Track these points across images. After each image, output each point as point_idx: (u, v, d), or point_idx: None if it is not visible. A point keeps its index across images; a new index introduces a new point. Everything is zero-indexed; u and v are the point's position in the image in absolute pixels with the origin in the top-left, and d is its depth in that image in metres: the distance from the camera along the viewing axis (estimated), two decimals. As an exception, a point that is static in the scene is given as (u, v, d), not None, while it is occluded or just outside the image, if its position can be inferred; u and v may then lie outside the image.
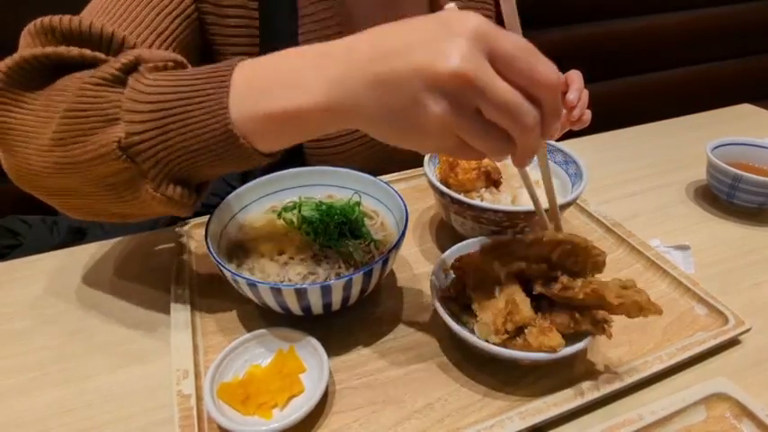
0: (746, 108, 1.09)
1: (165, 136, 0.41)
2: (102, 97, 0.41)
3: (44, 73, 0.45)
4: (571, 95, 0.69)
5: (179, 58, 0.46)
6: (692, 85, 1.71)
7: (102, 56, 0.45)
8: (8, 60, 0.44)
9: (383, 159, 0.80)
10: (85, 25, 0.46)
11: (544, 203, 0.53)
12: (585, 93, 0.72)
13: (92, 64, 0.45)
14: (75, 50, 0.44)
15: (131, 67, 0.42)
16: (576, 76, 0.72)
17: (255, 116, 0.39)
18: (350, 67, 0.36)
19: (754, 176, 0.69)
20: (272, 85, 0.39)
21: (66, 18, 0.46)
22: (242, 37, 0.66)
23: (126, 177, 0.43)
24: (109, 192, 0.45)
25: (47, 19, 0.46)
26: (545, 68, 0.34)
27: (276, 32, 0.67)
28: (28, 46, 0.47)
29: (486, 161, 0.63)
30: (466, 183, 0.62)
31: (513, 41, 0.34)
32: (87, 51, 0.45)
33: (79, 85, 0.42)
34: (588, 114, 0.72)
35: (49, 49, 0.44)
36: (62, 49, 0.44)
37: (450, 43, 0.33)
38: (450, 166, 0.63)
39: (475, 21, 0.33)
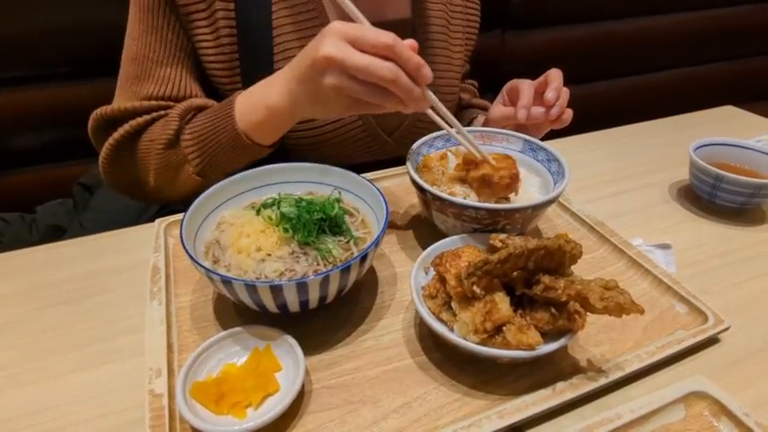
0: (729, 110, 1.10)
1: (214, 158, 0.67)
2: (171, 154, 0.68)
3: (125, 144, 0.70)
4: (549, 94, 0.70)
5: (195, 103, 0.69)
6: (677, 88, 1.72)
7: (149, 117, 0.70)
8: (106, 145, 0.70)
9: (359, 148, 0.81)
10: (120, 109, 0.70)
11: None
12: (565, 91, 0.72)
13: (144, 127, 0.70)
14: (133, 123, 0.69)
15: (177, 130, 0.67)
16: (555, 75, 0.72)
17: (252, 125, 0.64)
18: (288, 79, 0.58)
19: (736, 176, 0.69)
20: (256, 106, 0.63)
21: (106, 109, 0.70)
22: (224, 37, 0.70)
23: (204, 186, 0.63)
24: (191, 193, 0.65)
25: (97, 114, 0.70)
26: (382, 38, 0.49)
27: (252, 27, 0.70)
28: (96, 131, 0.72)
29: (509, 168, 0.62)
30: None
31: (360, 28, 0.51)
32: (139, 120, 0.69)
33: (156, 150, 0.68)
34: (569, 113, 0.72)
35: (121, 131, 0.69)
36: (126, 128, 0.69)
37: (321, 40, 0.51)
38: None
39: (336, 24, 0.51)
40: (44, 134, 1.12)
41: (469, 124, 0.92)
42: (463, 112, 0.98)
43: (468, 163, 0.63)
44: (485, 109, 0.97)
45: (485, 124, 0.84)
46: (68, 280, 0.61)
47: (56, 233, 0.93)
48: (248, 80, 0.69)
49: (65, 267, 0.63)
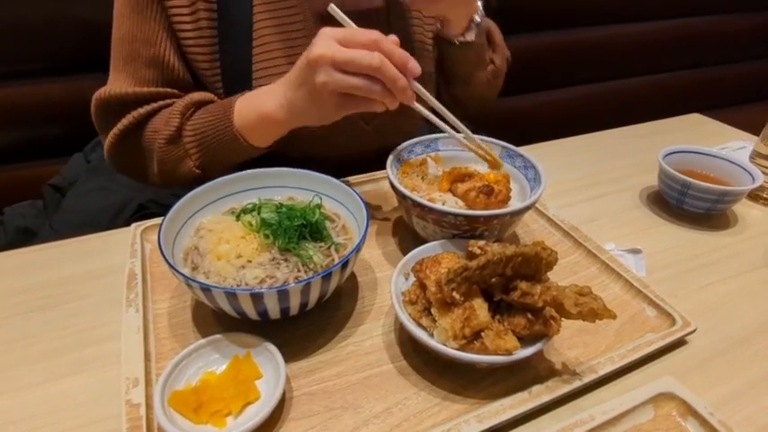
0: (697, 118, 1.14)
1: (213, 155, 0.70)
2: (174, 150, 0.71)
3: (129, 133, 0.73)
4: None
5: (195, 98, 0.71)
6: (647, 95, 1.78)
7: (150, 108, 0.72)
8: (111, 134, 0.73)
9: (341, 138, 0.81)
10: (121, 93, 0.71)
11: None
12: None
13: (147, 118, 0.72)
14: (135, 114, 0.72)
15: (179, 127, 0.70)
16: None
17: (247, 129, 0.67)
18: (286, 87, 0.62)
19: (702, 183, 0.72)
20: (252, 111, 0.66)
21: (107, 92, 0.72)
22: (203, 21, 0.70)
23: (204, 178, 0.68)
24: (192, 182, 0.70)
25: (100, 99, 0.72)
26: (368, 35, 0.55)
27: (233, 20, 0.72)
28: (100, 115, 0.74)
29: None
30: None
31: (348, 29, 0.57)
32: (141, 111, 0.72)
33: (159, 144, 0.71)
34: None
35: (125, 121, 0.72)
36: (130, 118, 0.72)
37: (313, 44, 0.56)
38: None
39: (327, 30, 0.56)
40: (13, 133, 1.09)
41: None
42: None
43: (457, 177, 0.64)
44: None
45: None
46: (40, 286, 0.60)
47: (25, 236, 0.90)
48: (228, 69, 0.73)
49: (36, 273, 0.62)
